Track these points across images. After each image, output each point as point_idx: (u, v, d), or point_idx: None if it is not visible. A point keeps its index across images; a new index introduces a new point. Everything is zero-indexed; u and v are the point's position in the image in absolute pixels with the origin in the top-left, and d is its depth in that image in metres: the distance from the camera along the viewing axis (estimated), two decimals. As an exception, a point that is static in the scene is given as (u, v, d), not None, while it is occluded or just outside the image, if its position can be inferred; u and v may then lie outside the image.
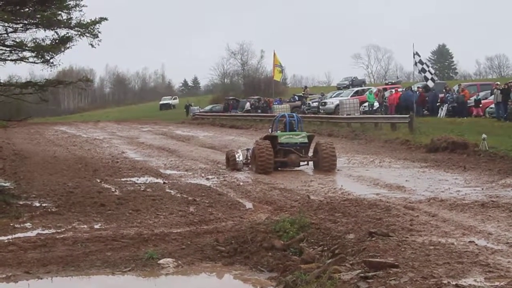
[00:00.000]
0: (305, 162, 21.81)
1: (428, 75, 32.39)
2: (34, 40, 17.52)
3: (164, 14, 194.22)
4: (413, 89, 40.64)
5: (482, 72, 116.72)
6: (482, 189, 15.96)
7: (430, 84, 34.28)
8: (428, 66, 33.72)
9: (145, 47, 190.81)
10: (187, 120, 63.90)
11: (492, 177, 17.84)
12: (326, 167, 20.66)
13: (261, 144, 21.01)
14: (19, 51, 17.76)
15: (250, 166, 21.83)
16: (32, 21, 17.25)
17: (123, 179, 19.88)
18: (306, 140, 21.74)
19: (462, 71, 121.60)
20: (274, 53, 52.49)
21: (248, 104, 62.74)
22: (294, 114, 25.31)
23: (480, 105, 37.48)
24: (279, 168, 21.48)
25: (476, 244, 9.48)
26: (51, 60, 17.85)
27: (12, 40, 17.57)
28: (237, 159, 21.96)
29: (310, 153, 21.97)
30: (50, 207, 15.14)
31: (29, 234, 12.41)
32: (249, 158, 22.11)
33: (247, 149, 22.69)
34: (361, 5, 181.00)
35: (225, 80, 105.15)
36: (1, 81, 18.05)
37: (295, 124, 22.41)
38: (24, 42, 17.41)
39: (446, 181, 17.55)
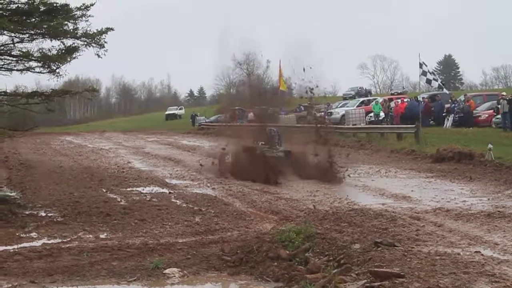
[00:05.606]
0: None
1: (441, 84, 32.45)
2: (41, 50, 17.59)
3: (170, 25, 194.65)
4: (418, 99, 40.67)
5: (488, 83, 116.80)
6: (488, 199, 15.93)
7: (446, 91, 34.39)
8: (436, 75, 33.82)
9: (151, 58, 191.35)
10: (193, 130, 63.93)
11: (498, 187, 17.82)
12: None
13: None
14: (25, 61, 17.82)
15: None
16: (39, 31, 17.31)
17: (128, 189, 19.87)
18: (282, 155, 22.33)
19: (468, 81, 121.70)
20: (280, 64, 52.45)
21: (251, 114, 62.52)
22: (275, 128, 25.81)
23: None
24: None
25: (482, 254, 9.47)
26: (57, 70, 17.91)
27: (19, 50, 17.64)
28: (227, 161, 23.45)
29: None
30: (55, 216, 15.14)
31: (34, 243, 12.39)
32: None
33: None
34: (368, 15, 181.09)
35: (231, 90, 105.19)
36: (8, 91, 18.10)
37: (275, 138, 23.28)
38: (31, 52, 17.48)
39: (452, 191, 17.52)
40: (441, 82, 33.23)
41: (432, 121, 41.17)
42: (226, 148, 23.66)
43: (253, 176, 21.26)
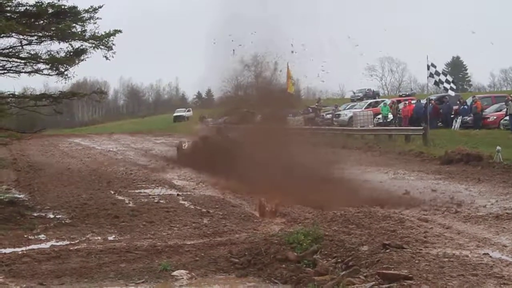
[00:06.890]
0: None
1: (447, 85, 32.37)
2: (49, 53, 17.65)
3: (178, 26, 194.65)
4: (428, 100, 40.58)
5: (497, 84, 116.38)
6: (497, 201, 15.88)
7: (451, 93, 34.30)
8: (445, 75, 33.74)
9: (160, 60, 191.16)
10: (201, 132, 63.79)
11: (506, 189, 17.75)
12: None
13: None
14: (33, 63, 17.88)
15: None
16: (47, 33, 17.36)
17: (136, 191, 19.90)
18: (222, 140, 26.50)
19: (476, 83, 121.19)
20: (288, 66, 52.40)
21: (259, 116, 62.38)
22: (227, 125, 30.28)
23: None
24: None
25: (490, 256, 9.45)
26: (65, 72, 17.98)
27: (27, 52, 17.70)
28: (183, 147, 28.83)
29: None
30: (64, 218, 15.18)
31: (43, 245, 12.44)
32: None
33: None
34: (375, 18, 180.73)
35: (239, 92, 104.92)
36: (16, 93, 18.17)
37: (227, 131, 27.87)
38: (39, 54, 17.54)
39: (460, 193, 17.46)
40: (452, 83, 33.15)
41: (440, 123, 41.05)
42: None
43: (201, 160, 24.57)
